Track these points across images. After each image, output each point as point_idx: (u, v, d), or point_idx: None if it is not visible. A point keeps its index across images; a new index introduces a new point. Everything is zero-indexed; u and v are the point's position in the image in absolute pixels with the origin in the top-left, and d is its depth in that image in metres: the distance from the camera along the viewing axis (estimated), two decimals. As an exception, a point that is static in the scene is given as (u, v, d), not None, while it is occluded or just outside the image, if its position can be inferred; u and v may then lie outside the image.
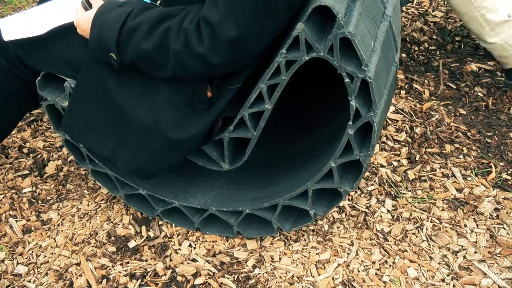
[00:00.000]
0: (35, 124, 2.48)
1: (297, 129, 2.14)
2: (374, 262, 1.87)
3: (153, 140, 1.61)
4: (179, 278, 1.83)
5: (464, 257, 1.89)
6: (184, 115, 1.60)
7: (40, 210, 2.10)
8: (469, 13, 2.38)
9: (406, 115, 2.53)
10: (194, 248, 1.95)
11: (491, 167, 2.25)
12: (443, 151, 2.33)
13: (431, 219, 2.03)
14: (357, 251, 1.91)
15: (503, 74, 2.58)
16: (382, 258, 1.88)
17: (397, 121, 2.50)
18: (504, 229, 1.99)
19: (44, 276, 1.85)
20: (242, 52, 1.42)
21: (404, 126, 2.47)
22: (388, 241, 1.94)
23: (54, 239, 1.98)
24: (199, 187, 2.00)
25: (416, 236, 1.96)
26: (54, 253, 1.93)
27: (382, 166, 2.26)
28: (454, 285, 1.79)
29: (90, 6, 1.58)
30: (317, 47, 1.39)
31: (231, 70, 1.52)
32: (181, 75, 1.49)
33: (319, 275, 1.83)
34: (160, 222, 2.05)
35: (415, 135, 2.42)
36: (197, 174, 2.04)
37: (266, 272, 1.84)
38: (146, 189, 1.96)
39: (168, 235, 2.00)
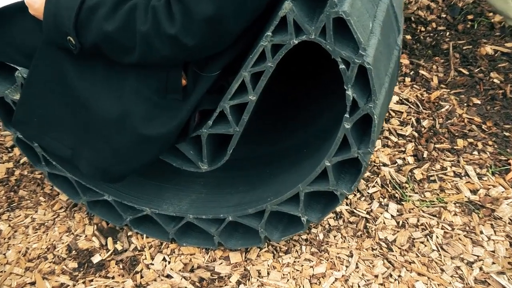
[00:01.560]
0: (-19, 121, 2.46)
1: (285, 123, 2.14)
2: (376, 276, 1.88)
3: (120, 136, 1.62)
4: (151, 298, 1.84)
5: (481, 268, 1.90)
6: (155, 107, 1.60)
7: (-12, 221, 2.10)
8: None
9: (411, 106, 2.55)
10: (169, 262, 1.95)
11: (510, 164, 2.27)
12: (455, 147, 2.35)
13: (442, 225, 2.05)
14: (357, 264, 1.92)
15: None
16: (386, 271, 1.89)
17: (402, 112, 2.51)
18: (526, 235, 2.01)
19: (-7, 298, 1.85)
20: (218, 33, 1.42)
21: (410, 119, 2.48)
22: (393, 252, 1.96)
23: (4, 254, 1.97)
24: (174, 191, 2.00)
25: (425, 245, 1.98)
26: (5, 271, 1.92)
27: (384, 165, 2.27)
28: (468, 301, 1.81)
29: None
30: (308, 28, 1.39)
31: (207, 54, 1.52)
32: (150, 60, 1.50)
33: (314, 291, 1.84)
34: (129, 233, 2.05)
35: (422, 129, 2.43)
36: (172, 176, 2.04)
37: (253, 289, 1.85)
38: (112, 194, 1.96)
39: (139, 248, 2.00)
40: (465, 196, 2.15)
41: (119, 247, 2.00)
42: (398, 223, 2.06)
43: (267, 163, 1.99)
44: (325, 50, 1.42)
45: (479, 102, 2.58)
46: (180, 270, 1.92)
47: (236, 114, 1.65)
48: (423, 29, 3.03)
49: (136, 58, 1.49)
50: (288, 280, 1.87)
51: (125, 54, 1.50)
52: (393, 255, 1.95)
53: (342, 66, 1.42)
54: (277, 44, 1.46)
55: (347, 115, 1.51)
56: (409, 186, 2.19)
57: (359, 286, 1.85)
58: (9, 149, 2.34)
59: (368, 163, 1.61)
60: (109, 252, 1.98)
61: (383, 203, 2.12)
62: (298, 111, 2.17)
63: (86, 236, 2.04)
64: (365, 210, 2.10)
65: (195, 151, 1.77)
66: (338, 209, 2.10)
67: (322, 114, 2.01)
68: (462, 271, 1.90)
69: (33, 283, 1.88)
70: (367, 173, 2.23)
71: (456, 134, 2.41)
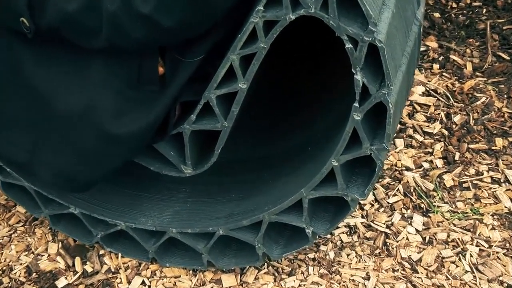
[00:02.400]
0: None
1: (285, 118, 2.15)
2: (398, 302, 1.89)
3: (85, 136, 1.63)
4: (127, 329, 1.86)
5: (523, 292, 1.91)
6: (126, 101, 1.61)
7: None
8: None
9: (440, 98, 2.55)
10: (149, 286, 1.96)
11: (559, 168, 2.27)
12: (493, 148, 2.36)
13: (477, 241, 2.05)
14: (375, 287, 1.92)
15: None
16: (409, 296, 1.90)
17: (429, 106, 2.52)
18: None
19: None
20: (202, 11, 1.44)
21: (438, 114, 2.48)
22: (418, 273, 1.96)
23: (-49, 278, 1.99)
24: (154, 201, 2.01)
25: (457, 266, 1.98)
26: (-48, 297, 1.93)
27: (408, 169, 2.28)
28: (509, 331, 1.81)
29: None
30: (306, 1, 1.40)
31: (187, 37, 1.53)
32: (120, 44, 1.51)
33: (323, 321, 1.85)
34: (101, 252, 2.06)
35: (454, 126, 2.44)
36: (151, 184, 2.06)
37: (249, 318, 1.87)
38: (79, 206, 1.96)
39: (112, 269, 2.01)
40: (505, 207, 2.15)
41: (89, 268, 2.01)
42: (424, 239, 2.06)
43: (265, 166, 2.01)
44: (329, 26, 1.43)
45: (522, 93, 2.59)
46: (162, 296, 1.93)
47: (224, 106, 1.66)
48: (454, 5, 3.03)
49: (102, 43, 1.50)
50: (292, 307, 1.88)
51: (89, 38, 1.51)
52: (418, 277, 1.94)
53: (348, 45, 1.43)
54: (271, 20, 1.47)
55: (356, 104, 1.52)
56: (438, 195, 2.19)
57: (377, 314, 1.86)
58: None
59: (384, 161, 1.62)
60: (77, 275, 1.99)
61: (406, 215, 2.12)
62: (303, 104, 2.18)
63: (49, 255, 2.05)
64: (384, 224, 2.10)
65: (176, 151, 1.78)
66: (352, 222, 2.10)
67: (333, 106, 2.02)
68: (501, 296, 1.89)
69: (-15, 312, 1.90)
70: (387, 179, 2.24)
71: (494, 131, 2.41)
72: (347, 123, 1.58)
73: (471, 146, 2.36)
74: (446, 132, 2.41)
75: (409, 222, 2.10)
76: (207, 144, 1.80)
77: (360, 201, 1.79)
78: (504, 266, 1.97)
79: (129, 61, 1.59)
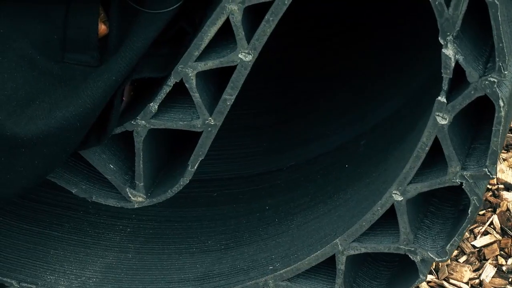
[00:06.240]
0: None
1: (303, 113, 2.17)
2: None
3: None
4: None
5: None
6: (40, 79, 1.61)
7: None
8: None
9: None
10: None
11: None
12: None
13: None
14: None
15: None
16: None
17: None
18: None
19: None
20: None
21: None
22: None
23: None
24: (70, 247, 2.00)
25: None
26: None
27: (509, 187, 2.27)
28: None
29: None
30: None
31: None
32: None
33: None
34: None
35: None
36: (65, 216, 2.05)
37: None
38: None
39: None
40: None
41: None
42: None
43: (267, 193, 2.01)
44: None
45: None
46: None
47: (210, 91, 1.66)
48: None
49: None
50: None
51: None
52: None
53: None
54: None
55: (442, 99, 1.49)
56: None
57: None
58: None
59: (483, 197, 1.60)
60: None
61: (505, 269, 2.13)
62: (335, 90, 2.21)
63: None
64: (468, 283, 2.10)
65: (119, 164, 1.78)
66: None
67: (389, 94, 2.06)
68: None
69: None
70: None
71: None
72: (417, 125, 1.58)
73: None
74: None
75: (510, 280, 2.10)
76: (174, 154, 1.81)
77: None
78: None
79: (48, 13, 1.60)
